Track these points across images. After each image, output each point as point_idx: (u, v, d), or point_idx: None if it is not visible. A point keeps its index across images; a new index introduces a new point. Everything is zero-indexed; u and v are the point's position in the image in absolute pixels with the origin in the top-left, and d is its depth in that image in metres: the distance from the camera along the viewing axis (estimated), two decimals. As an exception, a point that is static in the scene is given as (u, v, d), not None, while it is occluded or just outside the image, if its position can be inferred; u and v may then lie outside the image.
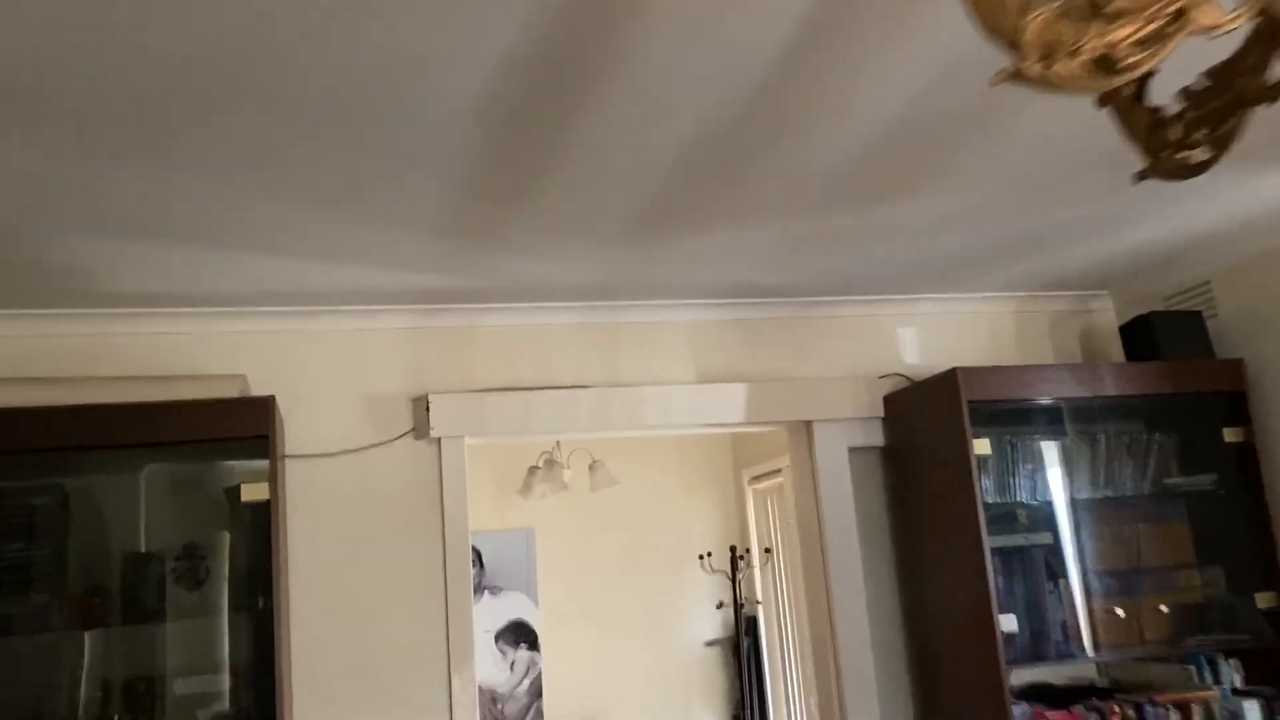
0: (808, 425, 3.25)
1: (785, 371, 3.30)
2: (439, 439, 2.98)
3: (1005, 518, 2.95)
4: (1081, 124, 2.08)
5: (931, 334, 3.44)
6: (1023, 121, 2.08)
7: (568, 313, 3.16)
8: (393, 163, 2.01)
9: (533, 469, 4.39)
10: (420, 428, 2.98)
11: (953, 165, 2.27)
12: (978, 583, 2.79)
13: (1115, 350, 3.52)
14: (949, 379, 2.91)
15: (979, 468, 2.84)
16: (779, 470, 5.05)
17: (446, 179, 2.11)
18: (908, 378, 3.33)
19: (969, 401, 2.86)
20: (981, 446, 2.87)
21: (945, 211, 2.58)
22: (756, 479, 5.32)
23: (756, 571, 5.27)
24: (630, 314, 3.22)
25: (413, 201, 2.21)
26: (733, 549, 5.28)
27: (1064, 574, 2.98)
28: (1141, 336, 3.17)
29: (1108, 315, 3.58)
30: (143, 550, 2.52)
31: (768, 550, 5.24)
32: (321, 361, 2.98)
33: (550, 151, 2.02)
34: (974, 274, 3.21)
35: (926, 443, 3.05)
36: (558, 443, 4.33)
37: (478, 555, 5.06)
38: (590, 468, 4.43)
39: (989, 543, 2.78)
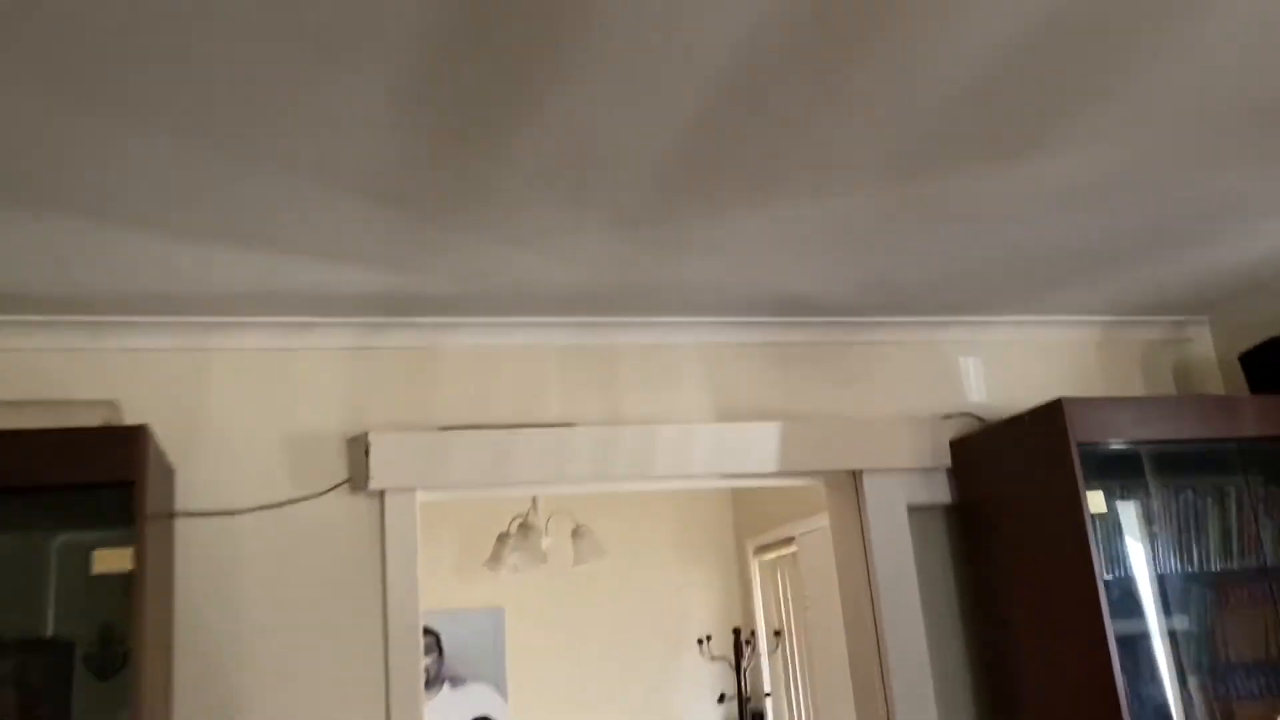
0: (855, 477, 2.60)
1: (826, 409, 2.66)
2: (382, 492, 2.29)
3: (1124, 596, 2.30)
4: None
5: (1000, 366, 2.81)
6: (1209, 29, 1.49)
7: (556, 330, 2.51)
8: (323, 63, 1.37)
9: (503, 536, 3.70)
10: (358, 477, 2.29)
11: (1091, 99, 1.67)
12: (1098, 681, 2.13)
13: (1216, 388, 2.92)
14: (1049, 415, 2.28)
15: (1094, 530, 2.19)
16: (790, 540, 4.38)
17: (400, 96, 1.47)
18: (979, 418, 2.69)
19: (1079, 444, 2.23)
20: (1096, 502, 2.23)
21: (1053, 180, 1.97)
22: (763, 549, 4.63)
23: (764, 659, 4.55)
24: (634, 333, 2.57)
25: (351, 135, 1.57)
26: (736, 632, 4.57)
27: (1198, 668, 2.32)
28: (1272, 366, 2.57)
29: (1204, 346, 2.99)
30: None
31: (778, 633, 4.53)
32: (231, 389, 2.30)
33: (540, 66, 1.39)
34: (1054, 290, 2.61)
35: (1013, 498, 2.40)
36: (535, 502, 3.65)
37: (435, 640, 4.31)
38: (573, 534, 3.75)
39: (1112, 629, 2.13)
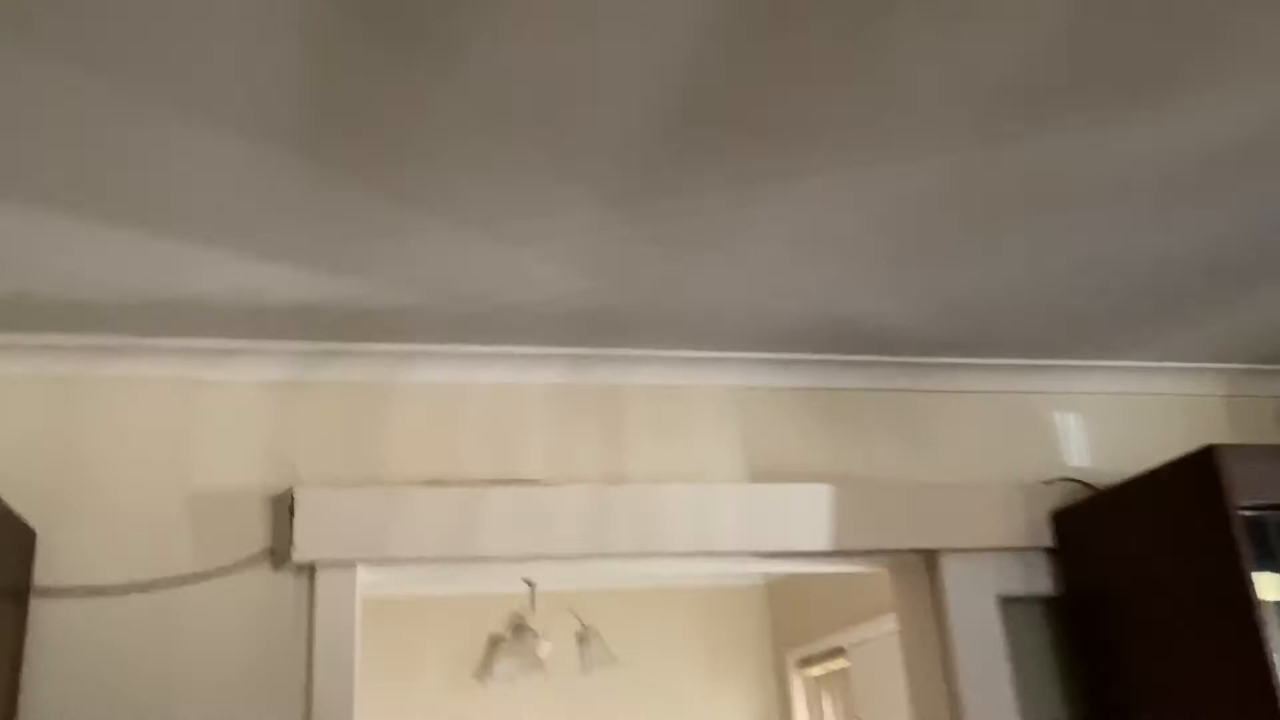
0: (929, 560, 2.04)
1: (888, 472, 2.11)
2: (311, 566, 1.77)
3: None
4: None
5: (1105, 422, 2.27)
6: None
7: (541, 366, 2.01)
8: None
9: (495, 639, 3.13)
10: (281, 547, 1.77)
11: (1235, 39, 1.19)
12: (1292, 846, 1.52)
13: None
14: (1195, 470, 1.72)
15: (1269, 623, 1.61)
16: (838, 651, 3.76)
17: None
18: (1089, 484, 2.13)
19: (1239, 508, 1.67)
20: (1268, 587, 1.66)
21: (1173, 152, 1.47)
22: (807, 662, 4.00)
23: (808, 795, 3.88)
24: (642, 371, 2.06)
25: (246, 54, 1.11)
26: (774, 761, 3.91)
27: None
28: None
29: (1354, 405, 2.43)
30: None
31: (824, 764, 3.86)
32: (115, 432, 1.80)
33: None
34: (1171, 324, 2.09)
35: (1144, 585, 1.83)
36: (531, 597, 3.08)
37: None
38: (579, 638, 3.17)
39: (1307, 767, 1.53)
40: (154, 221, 1.46)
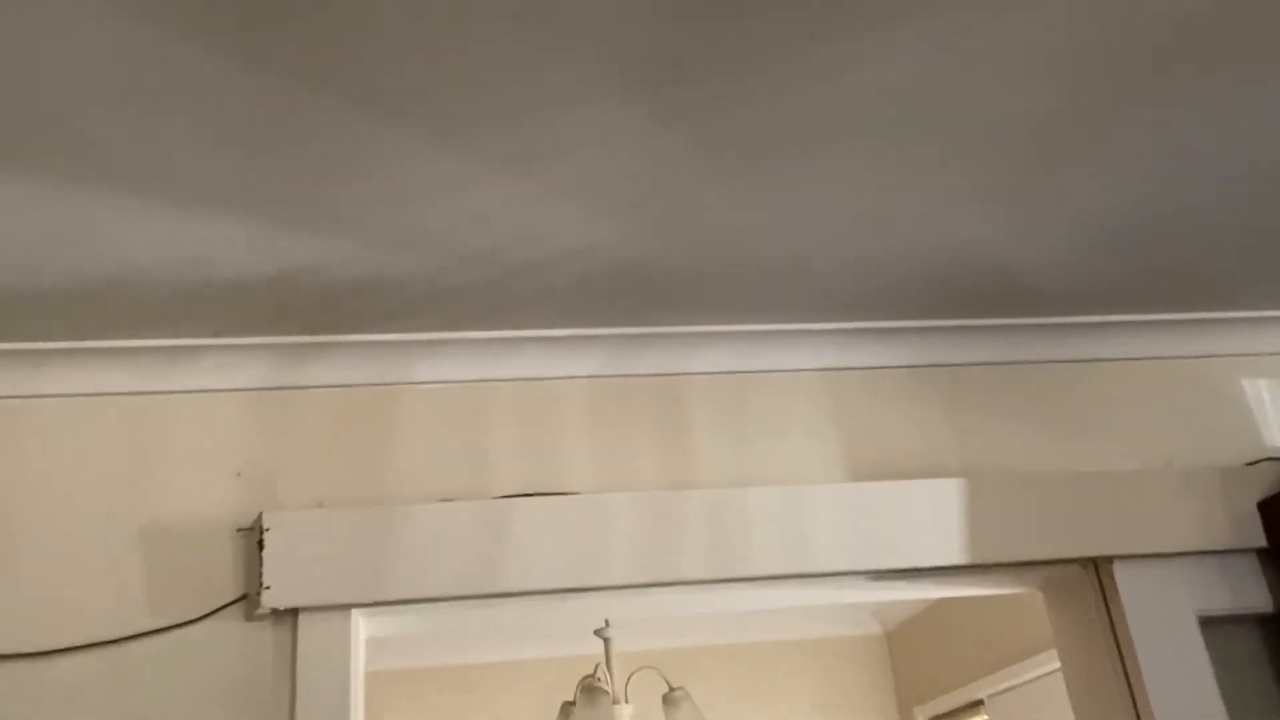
0: (1099, 570, 1.57)
1: (1031, 461, 1.66)
2: (294, 614, 1.39)
3: None
4: None
5: (1309, 389, 1.78)
6: None
7: (582, 352, 1.63)
8: None
9: (567, 708, 2.71)
10: (255, 591, 1.40)
11: None
12: None
13: None
14: None
15: None
16: (977, 705, 3.23)
17: None
18: (1304, 463, 1.65)
19: None
20: None
21: None
22: (938, 720, 3.47)
23: None
24: (705, 352, 1.66)
25: None
26: (909, 839, 3.37)
27: None
28: None
29: None
30: None
31: (969, 841, 3.30)
32: (51, 455, 1.47)
33: None
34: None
35: None
36: (606, 649, 2.66)
37: None
38: (665, 701, 2.73)
39: None
40: (54, 164, 1.14)
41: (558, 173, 1.24)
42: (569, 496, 1.48)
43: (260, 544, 1.38)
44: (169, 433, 1.49)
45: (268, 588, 1.35)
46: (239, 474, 1.49)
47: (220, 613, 1.41)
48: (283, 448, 1.52)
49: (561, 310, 1.55)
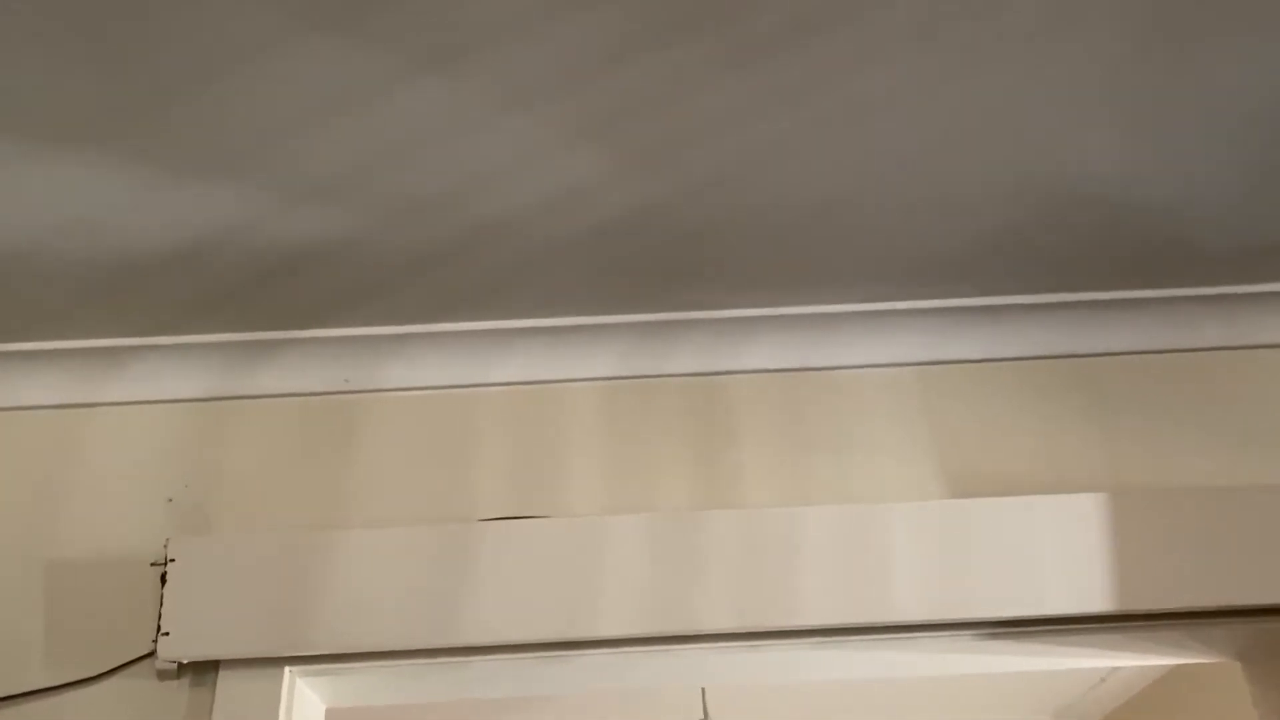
0: (1319, 626, 1.12)
1: (1195, 476, 1.23)
2: (214, 670, 1.12)
3: None
4: None
5: None
6: None
7: (590, 348, 1.32)
8: None
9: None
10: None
11: None
12: None
13: None
14: None
15: None
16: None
17: None
18: None
19: None
20: None
21: None
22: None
23: None
24: (751, 344, 1.32)
25: None
26: None
27: None
28: None
29: None
30: None
31: None
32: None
33: None
34: None
35: None
36: (704, 701, 2.27)
37: None
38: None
39: None
40: None
41: (511, 71, 0.97)
42: (556, 520, 1.16)
43: (163, 579, 1.12)
44: (89, 452, 1.27)
45: (166, 634, 1.09)
46: (170, 499, 1.25)
47: (129, 668, 1.15)
48: (224, 468, 1.27)
49: (560, 289, 1.26)
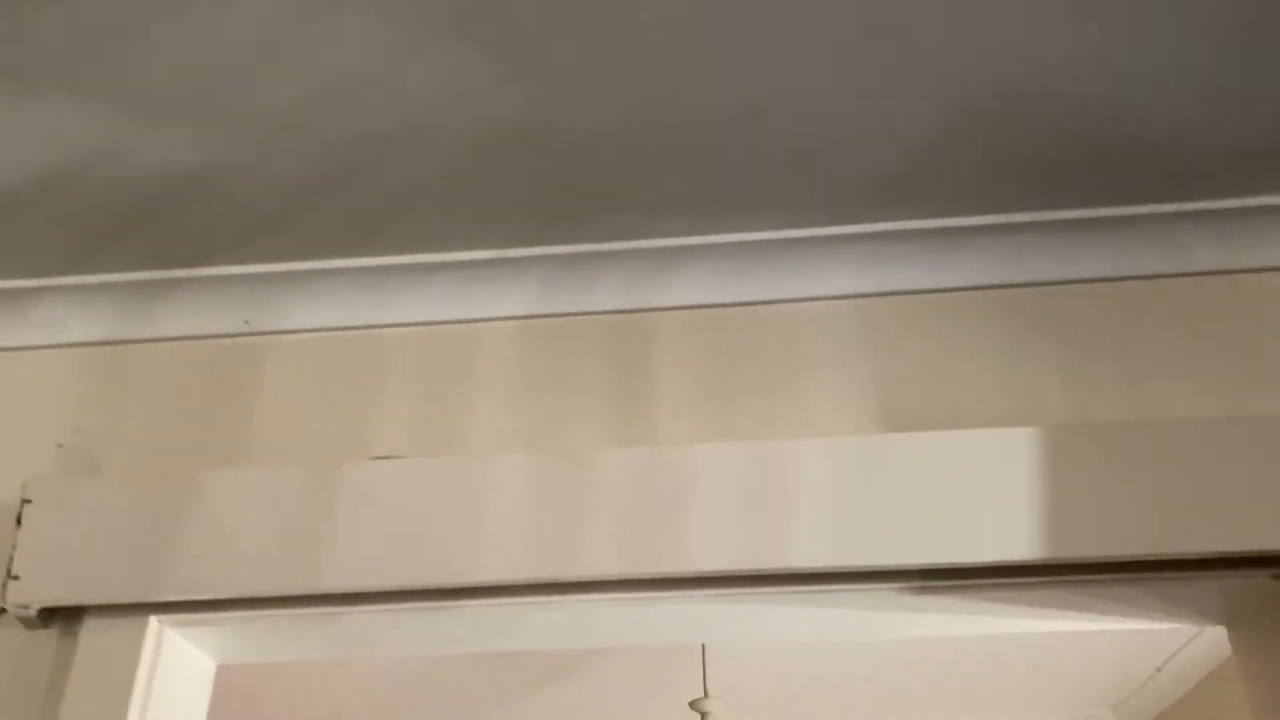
0: (1301, 578, 0.97)
1: (1155, 408, 1.08)
2: (79, 618, 1.06)
3: None
4: None
5: None
6: None
7: (502, 284, 1.23)
8: None
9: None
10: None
11: None
12: None
13: None
14: None
15: None
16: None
17: None
18: None
19: None
20: None
21: None
22: None
23: None
24: (677, 278, 1.22)
25: None
26: None
27: None
28: None
29: None
30: None
31: None
32: None
33: None
34: None
35: None
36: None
37: None
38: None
39: None
40: None
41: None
42: (435, 459, 1.07)
43: (18, 520, 1.06)
44: (-16, 393, 1.23)
45: (15, 578, 1.03)
46: (60, 445, 1.20)
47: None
48: (116, 415, 1.22)
49: (465, 217, 1.17)
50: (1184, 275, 1.15)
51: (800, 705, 2.86)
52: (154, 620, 1.06)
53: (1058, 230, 1.16)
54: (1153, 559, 0.99)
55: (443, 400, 1.19)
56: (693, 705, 2.21)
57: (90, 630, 1.06)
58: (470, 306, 1.23)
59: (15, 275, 1.22)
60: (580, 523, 1.00)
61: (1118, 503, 0.99)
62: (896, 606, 1.02)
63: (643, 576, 0.98)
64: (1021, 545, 0.97)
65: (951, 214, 1.17)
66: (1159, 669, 2.78)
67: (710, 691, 2.23)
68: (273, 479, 1.07)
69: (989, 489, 0.98)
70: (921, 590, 1.01)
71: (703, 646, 2.20)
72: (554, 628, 1.04)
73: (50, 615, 1.07)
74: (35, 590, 1.03)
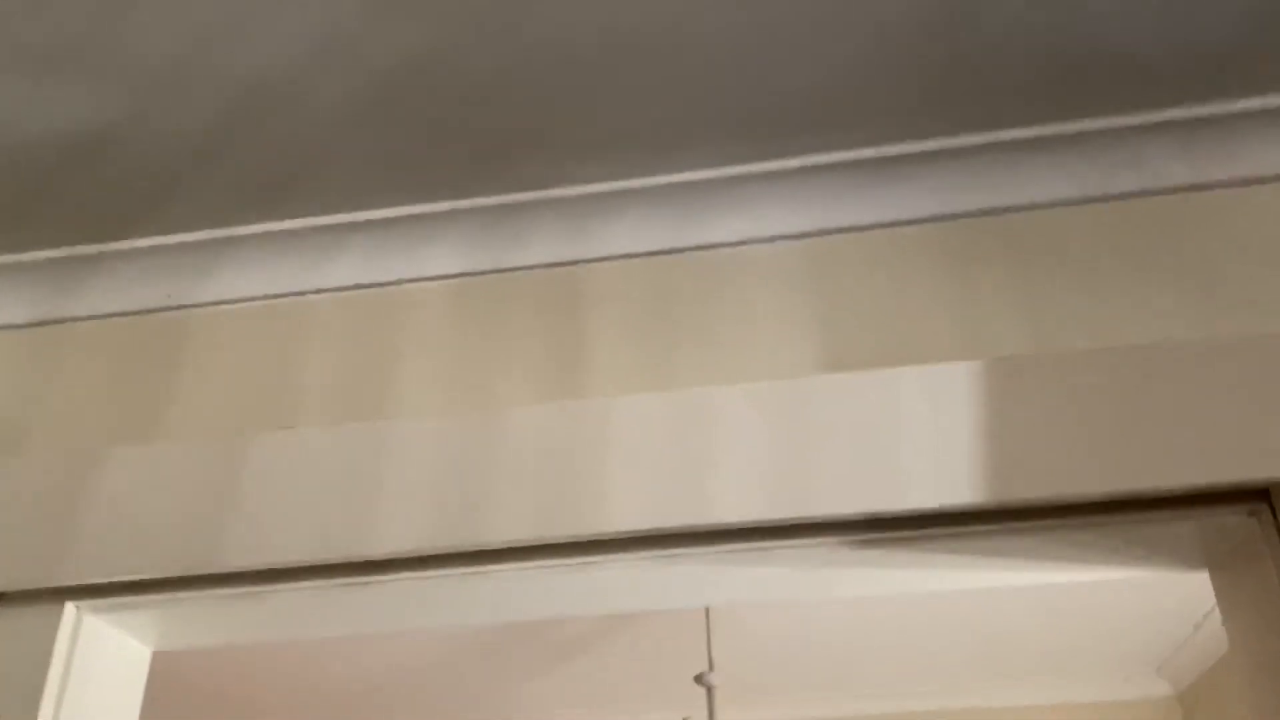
0: (1273, 510, 0.89)
1: (1109, 333, 1.00)
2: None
3: None
4: None
5: None
6: None
7: (437, 237, 1.18)
8: None
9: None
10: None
11: None
12: None
13: None
14: None
15: None
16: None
17: None
18: None
19: None
20: None
21: None
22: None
23: None
24: (611, 225, 1.16)
25: None
26: None
27: None
28: None
29: None
30: None
31: None
32: None
33: None
34: None
35: None
36: (710, 700, 2.09)
37: None
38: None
39: None
40: None
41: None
42: (314, 431, 1.02)
43: (-79, 502, 1.04)
44: (-98, 382, 1.21)
45: (-89, 559, 1.01)
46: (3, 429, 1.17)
47: (-79, 608, 1.08)
48: (41, 396, 1.19)
49: (379, 170, 1.12)
50: (1147, 194, 1.07)
51: (818, 676, 2.79)
52: (70, 606, 1.03)
53: (1007, 152, 1.08)
54: (1118, 498, 0.91)
55: (369, 367, 1.15)
56: (698, 680, 2.16)
57: (5, 618, 1.03)
58: (397, 268, 1.18)
59: (-72, 259, 1.19)
60: (485, 487, 0.95)
61: (1074, 439, 0.91)
62: (837, 562, 0.96)
63: (554, 541, 0.92)
64: (964, 489, 0.90)
65: (891, 140, 1.09)
66: (1197, 626, 2.68)
67: (716, 664, 2.18)
68: (180, 454, 1.03)
69: (928, 429, 0.91)
70: (863, 544, 0.94)
71: (707, 620, 2.15)
72: (457, 600, 0.99)
73: (-25, 601, 1.05)
74: (-63, 573, 1.00)
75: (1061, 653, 3.01)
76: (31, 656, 1.00)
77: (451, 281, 1.18)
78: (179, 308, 1.20)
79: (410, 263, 1.18)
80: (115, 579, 1.01)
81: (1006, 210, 1.09)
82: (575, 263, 1.17)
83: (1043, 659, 3.05)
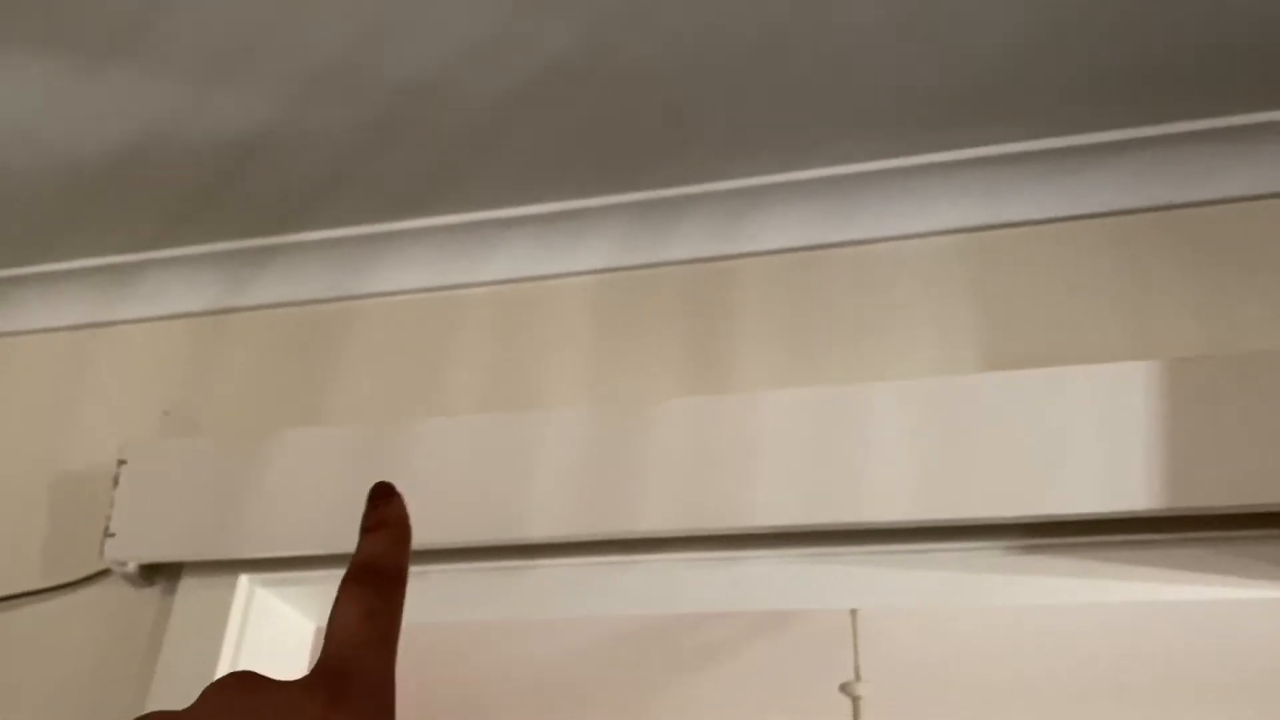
0: None
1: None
2: (177, 576, 1.12)
3: None
4: None
5: None
6: None
7: (585, 233, 1.21)
8: None
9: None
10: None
11: None
12: None
13: None
14: None
15: None
16: None
17: None
18: None
19: None
20: None
21: None
22: None
23: None
24: (759, 220, 1.16)
25: None
26: None
27: None
28: None
29: None
30: None
31: None
32: (-15, 392, 1.35)
33: None
34: None
35: None
36: (855, 712, 2.07)
37: None
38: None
39: None
40: None
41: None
42: (470, 418, 1.06)
43: (116, 481, 1.13)
44: (94, 371, 1.31)
45: (112, 535, 1.09)
46: (166, 412, 1.27)
47: (109, 576, 1.17)
48: (217, 381, 1.27)
49: (534, 169, 1.16)
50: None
51: (974, 692, 2.71)
52: (244, 578, 1.10)
53: (1186, 144, 1.04)
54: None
55: (518, 359, 1.19)
56: (844, 689, 2.14)
57: (186, 588, 1.11)
58: (547, 263, 1.22)
59: (114, 251, 1.29)
60: (632, 481, 0.97)
61: (1257, 444, 0.87)
62: (996, 568, 0.94)
63: (700, 533, 0.94)
64: (1138, 494, 0.87)
65: (1061, 132, 1.07)
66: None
67: (863, 674, 2.15)
68: (345, 437, 1.09)
69: (1099, 431, 0.89)
70: (1029, 549, 0.92)
71: (854, 626, 2.13)
72: (606, 590, 1.02)
73: (153, 573, 1.13)
74: (130, 548, 1.09)
75: (1249, 672, 2.84)
76: (209, 625, 1.08)
77: (600, 276, 1.21)
78: (342, 299, 1.27)
79: (560, 258, 1.22)
80: (284, 554, 1.08)
81: (1181, 206, 1.05)
82: (724, 258, 1.18)
83: (1228, 679, 2.88)
